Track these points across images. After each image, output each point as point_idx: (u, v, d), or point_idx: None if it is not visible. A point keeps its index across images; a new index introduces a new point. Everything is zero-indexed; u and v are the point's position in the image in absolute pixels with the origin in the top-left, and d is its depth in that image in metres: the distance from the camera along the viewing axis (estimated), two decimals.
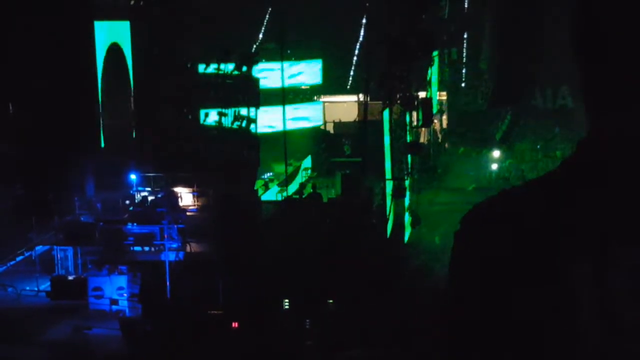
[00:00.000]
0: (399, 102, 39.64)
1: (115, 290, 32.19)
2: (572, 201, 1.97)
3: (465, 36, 56.89)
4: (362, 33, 54.79)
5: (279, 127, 46.93)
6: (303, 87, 54.81)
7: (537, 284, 1.95)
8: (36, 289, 34.09)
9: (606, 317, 1.88)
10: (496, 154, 49.90)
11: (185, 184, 38.60)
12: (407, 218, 37.95)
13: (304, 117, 53.46)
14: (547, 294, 1.94)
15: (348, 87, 56.82)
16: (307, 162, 50.42)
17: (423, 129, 46.04)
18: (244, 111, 41.13)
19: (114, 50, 41.98)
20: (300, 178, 47.37)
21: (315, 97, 55.63)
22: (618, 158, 1.98)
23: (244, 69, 41.74)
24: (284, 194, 42.99)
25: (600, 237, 1.90)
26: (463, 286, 2.09)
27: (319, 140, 52.02)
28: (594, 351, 1.90)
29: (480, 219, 2.10)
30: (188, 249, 34.08)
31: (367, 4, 53.04)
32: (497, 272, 2.01)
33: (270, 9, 53.02)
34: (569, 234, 1.93)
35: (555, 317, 1.94)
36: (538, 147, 50.47)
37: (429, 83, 47.30)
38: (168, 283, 31.51)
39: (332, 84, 55.95)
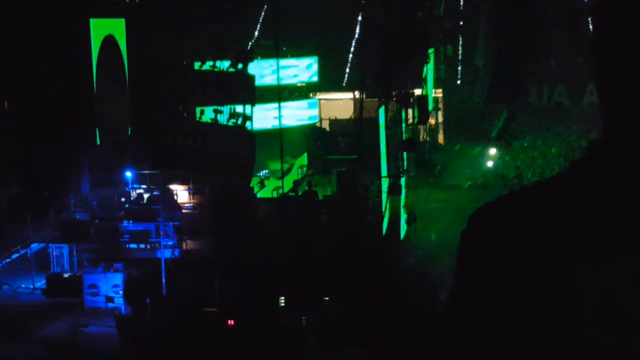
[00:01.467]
0: (394, 99, 39.63)
1: (111, 287, 32.19)
2: (576, 204, 2.00)
3: (460, 33, 56.88)
4: (357, 30, 54.76)
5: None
6: (299, 84, 54.77)
7: (536, 284, 2.01)
8: (32, 286, 34.07)
9: (604, 311, 1.91)
10: (492, 151, 49.92)
11: (181, 182, 38.58)
12: (403, 215, 37.96)
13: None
14: (544, 293, 2.00)
15: (344, 84, 56.77)
16: (303, 159, 50.37)
17: (419, 126, 46.05)
18: (239, 108, 41.10)
19: (110, 48, 41.93)
20: (295, 175, 47.34)
21: (311, 94, 55.60)
22: (626, 163, 2.00)
23: (240, 66, 41.70)
24: (280, 191, 42.97)
25: (600, 240, 1.94)
26: (467, 282, 2.15)
27: (315, 138, 51.99)
28: (589, 340, 1.93)
29: (487, 219, 2.15)
30: (184, 246, 34.07)
31: (363, 1, 53.00)
32: (498, 271, 2.07)
33: (266, 6, 52.96)
34: (570, 236, 1.96)
35: (551, 316, 1.99)
36: (526, 144, 50.45)
37: (425, 80, 47.32)
38: (164, 280, 31.52)
39: (328, 81, 55.90)
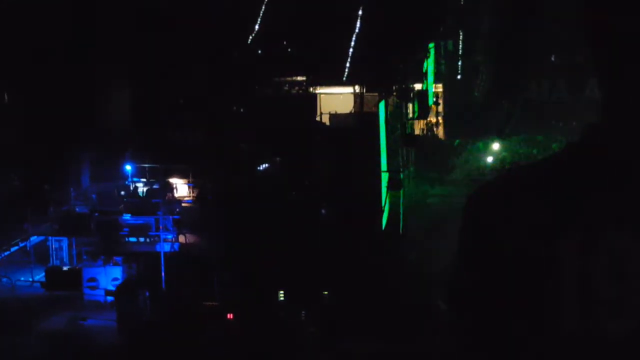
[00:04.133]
0: (395, 93, 39.62)
1: (110, 281, 32.21)
2: (569, 183, 2.07)
3: (461, 28, 56.84)
4: (358, 24, 54.70)
5: None
6: (299, 78, 54.69)
7: (526, 258, 2.07)
8: (31, 279, 34.11)
9: (584, 292, 2.00)
10: (492, 146, 49.94)
11: (181, 175, 38.59)
12: (402, 210, 37.96)
13: None
14: (534, 266, 2.05)
15: (344, 78, 56.68)
16: None
17: (419, 120, 46.05)
18: None
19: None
20: None
21: (310, 89, 55.51)
22: (620, 149, 2.05)
23: None
24: None
25: (589, 219, 2.01)
26: (464, 252, 2.25)
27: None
28: (570, 320, 2.01)
29: (482, 195, 2.24)
30: (183, 240, 34.08)
31: None
32: (491, 244, 2.15)
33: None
34: (561, 213, 2.04)
35: (539, 287, 2.05)
36: (521, 137, 50.49)
37: (425, 75, 47.30)
38: (163, 274, 31.55)
39: (328, 75, 55.77)
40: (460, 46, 57.16)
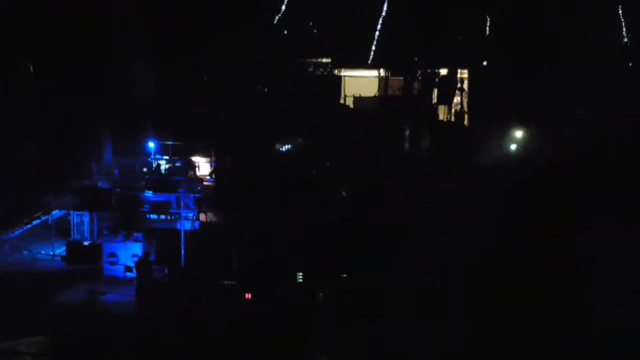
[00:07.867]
0: (419, 78, 39.47)
1: (130, 257, 32.32)
2: (602, 176, 2.04)
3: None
4: (385, 7, 54.44)
5: None
6: (324, 59, 54.55)
7: (559, 249, 2.05)
8: (51, 253, 34.28)
9: (621, 278, 1.98)
10: (517, 133, 49.65)
11: (203, 153, 38.62)
12: None
13: None
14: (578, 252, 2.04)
15: (369, 61, 56.48)
16: None
17: (443, 106, 45.84)
18: None
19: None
20: None
21: (335, 71, 55.37)
22: None
23: None
24: None
25: (626, 213, 1.98)
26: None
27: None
28: (607, 301, 1.99)
29: (521, 188, 2.20)
30: (203, 218, 34.12)
31: None
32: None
33: None
34: (599, 208, 2.01)
35: (581, 274, 2.03)
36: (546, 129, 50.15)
37: (451, 60, 47.02)
38: (183, 252, 31.62)
39: (353, 58, 55.60)
40: (487, 32, 56.79)
